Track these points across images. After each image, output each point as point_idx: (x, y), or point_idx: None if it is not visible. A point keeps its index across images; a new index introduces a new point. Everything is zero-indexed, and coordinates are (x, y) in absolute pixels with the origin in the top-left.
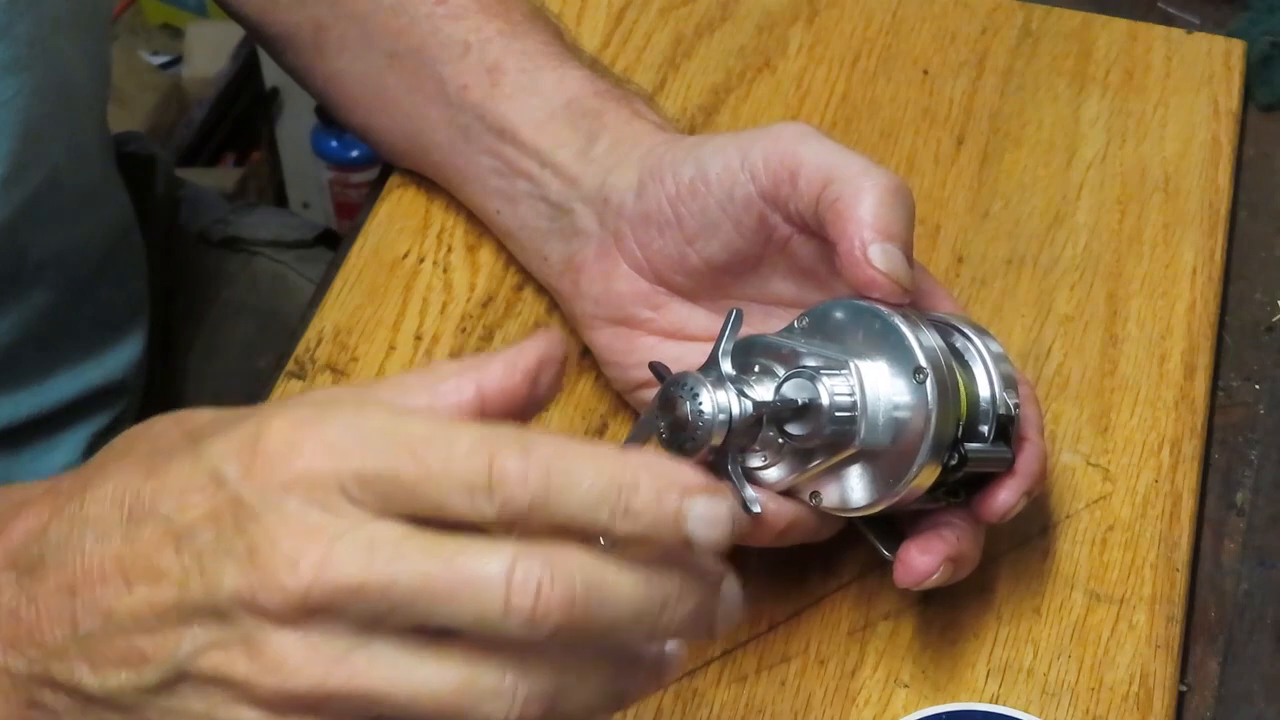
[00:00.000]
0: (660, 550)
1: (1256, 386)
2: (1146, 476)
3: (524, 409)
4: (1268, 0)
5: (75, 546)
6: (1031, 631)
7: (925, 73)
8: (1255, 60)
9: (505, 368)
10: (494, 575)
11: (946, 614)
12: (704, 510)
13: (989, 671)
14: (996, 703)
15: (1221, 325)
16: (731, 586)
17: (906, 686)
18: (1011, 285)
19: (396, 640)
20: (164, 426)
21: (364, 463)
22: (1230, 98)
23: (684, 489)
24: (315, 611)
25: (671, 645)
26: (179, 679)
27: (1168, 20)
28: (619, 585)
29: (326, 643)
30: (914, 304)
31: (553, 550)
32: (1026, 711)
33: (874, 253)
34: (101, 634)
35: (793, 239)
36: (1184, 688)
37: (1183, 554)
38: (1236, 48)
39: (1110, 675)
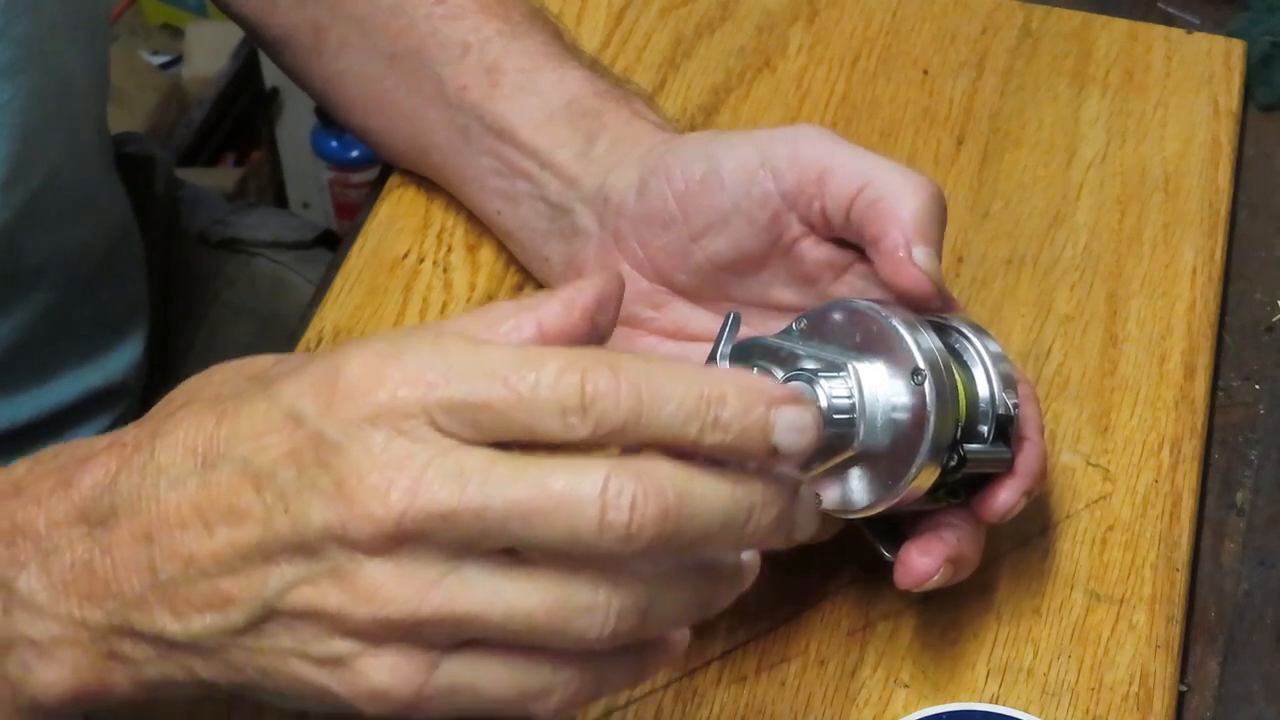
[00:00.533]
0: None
1: (1256, 386)
2: (1146, 476)
3: (582, 341)
4: (1268, 0)
5: (149, 495)
6: (1031, 631)
7: (925, 73)
8: (1255, 60)
9: (564, 307)
10: (588, 494)
11: (946, 614)
12: (791, 419)
13: (989, 671)
14: (996, 703)
15: (1221, 325)
16: (808, 494)
17: (906, 686)
18: (1011, 285)
19: (487, 563)
20: (225, 375)
21: (452, 391)
22: (1230, 98)
23: (770, 400)
24: (406, 540)
25: (747, 554)
26: (266, 617)
27: (1168, 20)
28: (708, 496)
29: (418, 570)
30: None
31: (643, 465)
32: (1026, 711)
33: (918, 254)
34: (182, 579)
35: (800, 242)
36: (1184, 688)
37: (1183, 554)
38: (1236, 48)
39: (1110, 675)
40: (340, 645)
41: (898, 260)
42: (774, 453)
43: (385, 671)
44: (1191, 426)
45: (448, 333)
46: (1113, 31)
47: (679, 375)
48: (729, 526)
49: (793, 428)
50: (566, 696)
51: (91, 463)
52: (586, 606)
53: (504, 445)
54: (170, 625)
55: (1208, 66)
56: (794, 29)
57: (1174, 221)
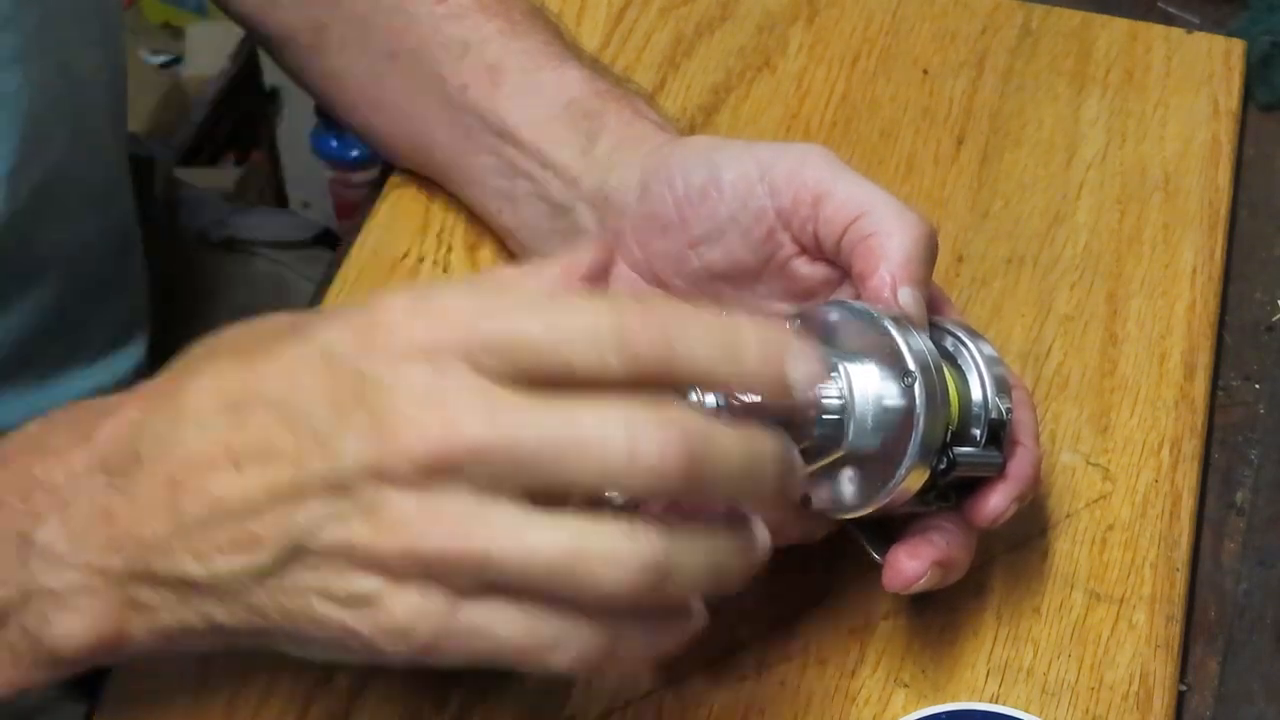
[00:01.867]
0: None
1: (1256, 386)
2: (1146, 476)
3: None
4: (1268, 0)
5: (175, 439)
6: (1031, 631)
7: (925, 73)
8: (1255, 60)
9: (564, 272)
10: (618, 433)
11: (946, 614)
12: (802, 359)
13: (989, 671)
14: (996, 702)
15: (1221, 325)
16: (794, 452)
17: (906, 686)
18: (1011, 285)
19: (513, 505)
20: (241, 332)
21: (492, 327)
22: (1230, 97)
23: (783, 344)
24: (439, 473)
25: (761, 532)
26: (294, 556)
27: (1168, 20)
28: (729, 441)
29: (448, 504)
30: None
31: (669, 408)
32: (1026, 711)
33: (904, 295)
34: (210, 520)
35: (793, 261)
36: (1184, 687)
37: (1182, 553)
38: (1236, 47)
39: (1110, 675)
40: (365, 581)
41: (883, 300)
42: (788, 390)
43: (408, 609)
44: (1191, 426)
45: (481, 280)
46: (1113, 31)
47: (706, 319)
48: (748, 473)
49: (803, 368)
50: (582, 650)
51: (111, 416)
52: (607, 555)
53: (538, 387)
54: (193, 567)
55: (1208, 66)
56: (794, 29)
57: (1174, 221)
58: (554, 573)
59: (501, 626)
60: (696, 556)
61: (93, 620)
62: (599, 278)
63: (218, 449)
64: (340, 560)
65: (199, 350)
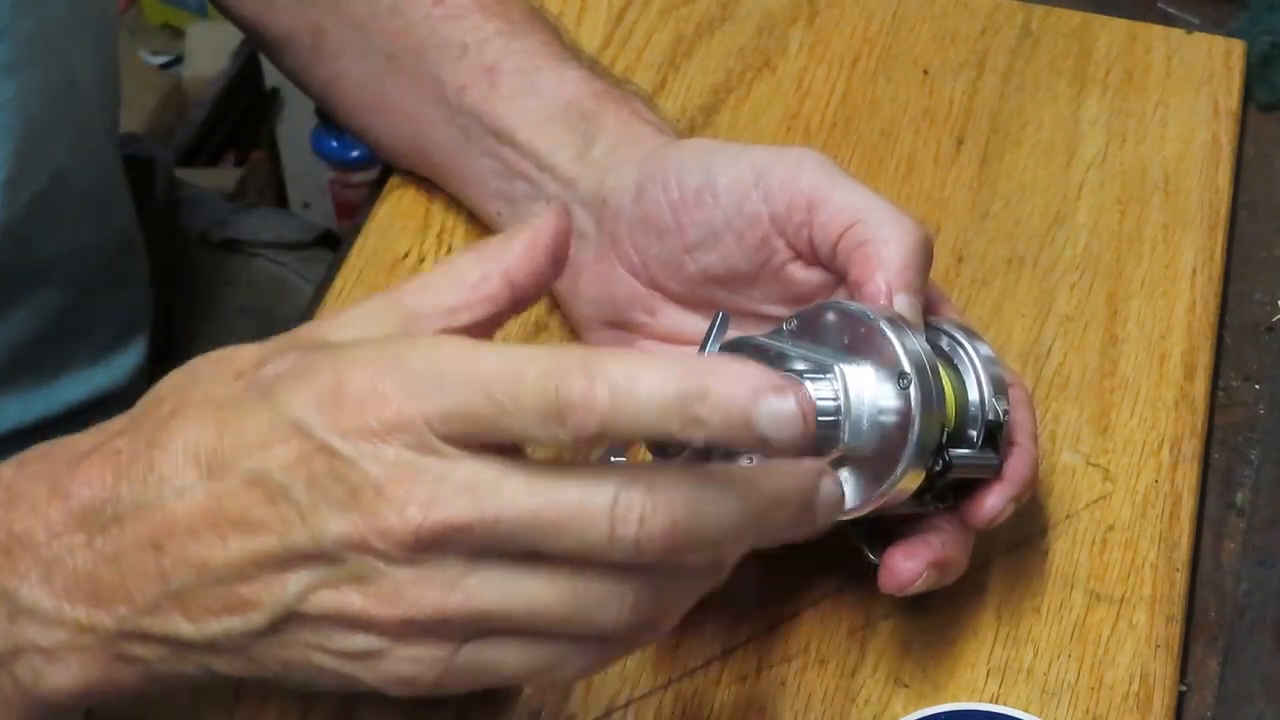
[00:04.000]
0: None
1: (1256, 386)
2: (1146, 476)
3: (547, 279)
4: (1268, 0)
5: (153, 504)
6: (1031, 631)
7: (925, 73)
8: (1255, 60)
9: (527, 249)
10: (597, 508)
11: (946, 614)
12: (775, 409)
13: (989, 671)
14: (996, 702)
15: (1221, 325)
16: (830, 484)
17: (906, 686)
18: (1011, 285)
19: (505, 562)
20: (209, 372)
21: (444, 403)
22: (1230, 98)
23: (752, 390)
24: (426, 548)
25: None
26: (288, 619)
27: (1168, 20)
28: (719, 506)
29: (439, 572)
30: None
31: (655, 476)
32: (1026, 711)
33: (899, 302)
34: (197, 586)
35: (789, 266)
36: (1184, 687)
37: (1182, 554)
38: (1236, 48)
39: (1110, 675)
40: (364, 641)
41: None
42: (764, 443)
43: (410, 663)
44: (1191, 426)
45: (442, 339)
46: (1112, 31)
47: (656, 372)
48: (743, 532)
49: (777, 418)
50: (580, 666)
51: (84, 470)
52: (602, 601)
53: (517, 450)
54: (185, 628)
55: (1208, 66)
56: (794, 29)
57: (1174, 221)
58: (552, 623)
59: (503, 660)
60: (689, 584)
61: (84, 673)
62: (563, 241)
63: (198, 516)
64: (337, 623)
65: (168, 396)
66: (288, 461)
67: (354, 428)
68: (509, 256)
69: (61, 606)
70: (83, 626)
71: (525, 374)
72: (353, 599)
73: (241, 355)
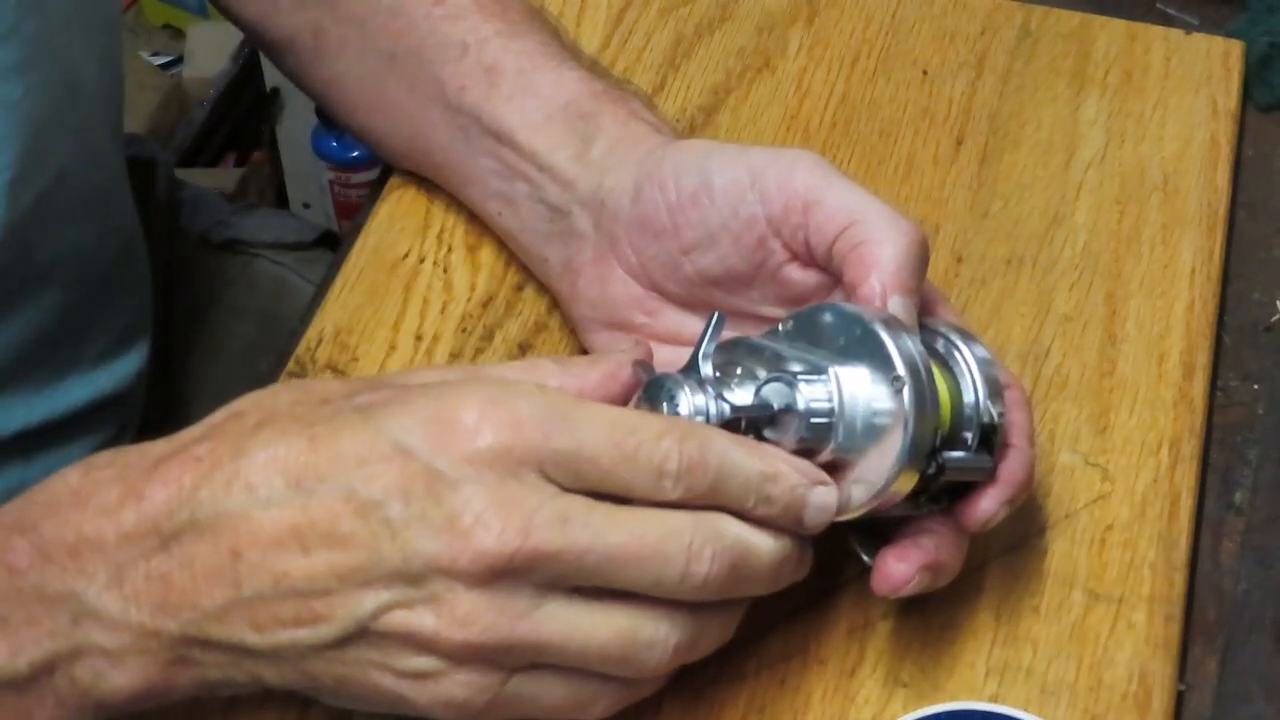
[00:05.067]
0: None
1: (1255, 386)
2: (1145, 476)
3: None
4: (1267, 0)
5: (236, 512)
6: (1030, 631)
7: (925, 73)
8: (1254, 61)
9: (605, 379)
10: (677, 547)
11: (946, 613)
12: (820, 500)
13: (988, 671)
14: (996, 702)
15: (1220, 325)
16: (806, 548)
17: (906, 686)
18: (1010, 285)
19: (567, 598)
20: (293, 395)
21: (565, 442)
22: (1229, 98)
23: (812, 482)
24: (507, 574)
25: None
26: (357, 635)
27: (1167, 20)
28: (761, 551)
29: (510, 601)
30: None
31: (717, 521)
32: (1026, 711)
33: (894, 304)
34: (272, 596)
35: (785, 268)
36: (1183, 687)
37: (1181, 553)
38: (1235, 48)
39: (1109, 674)
40: (425, 662)
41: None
42: (801, 524)
43: (465, 687)
44: (1190, 426)
45: (543, 386)
46: (1112, 32)
47: (751, 452)
48: (771, 575)
49: (818, 508)
50: (606, 706)
51: (161, 474)
52: (650, 641)
53: (599, 494)
54: (250, 637)
55: (1206, 67)
56: (794, 29)
57: (1173, 221)
58: (605, 659)
59: (546, 694)
60: (715, 630)
61: (144, 676)
62: (634, 382)
63: (284, 527)
64: (403, 642)
65: (250, 410)
66: (387, 480)
67: (461, 452)
68: (588, 379)
69: (129, 609)
70: (147, 630)
71: (645, 430)
72: (425, 620)
73: (327, 386)
